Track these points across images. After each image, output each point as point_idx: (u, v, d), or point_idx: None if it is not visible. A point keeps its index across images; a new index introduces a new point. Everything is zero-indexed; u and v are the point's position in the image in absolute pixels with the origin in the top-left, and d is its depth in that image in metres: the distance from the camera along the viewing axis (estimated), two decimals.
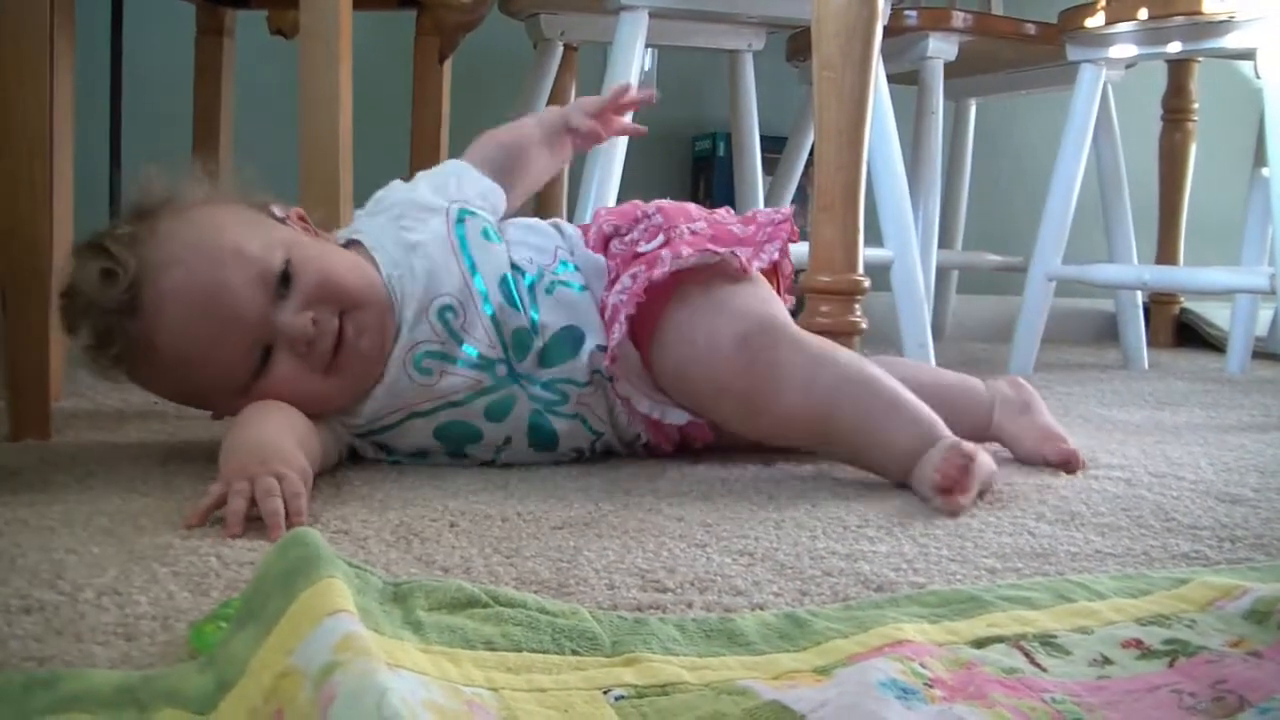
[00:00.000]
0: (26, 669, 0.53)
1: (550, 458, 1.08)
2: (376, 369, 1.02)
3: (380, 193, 1.15)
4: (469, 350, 1.03)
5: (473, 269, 1.05)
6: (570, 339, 1.06)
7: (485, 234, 1.08)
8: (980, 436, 1.16)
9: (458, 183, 1.13)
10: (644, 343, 1.06)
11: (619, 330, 1.04)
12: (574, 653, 0.56)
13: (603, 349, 1.05)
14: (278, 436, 0.90)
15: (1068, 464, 1.13)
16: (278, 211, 1.06)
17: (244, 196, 1.05)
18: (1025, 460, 1.17)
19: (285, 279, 0.97)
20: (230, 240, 0.97)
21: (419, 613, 0.58)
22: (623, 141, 1.65)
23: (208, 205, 1.01)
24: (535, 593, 0.65)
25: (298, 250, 0.99)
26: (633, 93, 1.25)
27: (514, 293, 1.05)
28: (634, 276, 1.05)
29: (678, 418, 1.09)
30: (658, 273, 1.04)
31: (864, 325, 1.46)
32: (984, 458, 0.99)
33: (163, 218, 0.98)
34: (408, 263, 1.04)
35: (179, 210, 0.99)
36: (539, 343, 1.05)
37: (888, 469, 1.03)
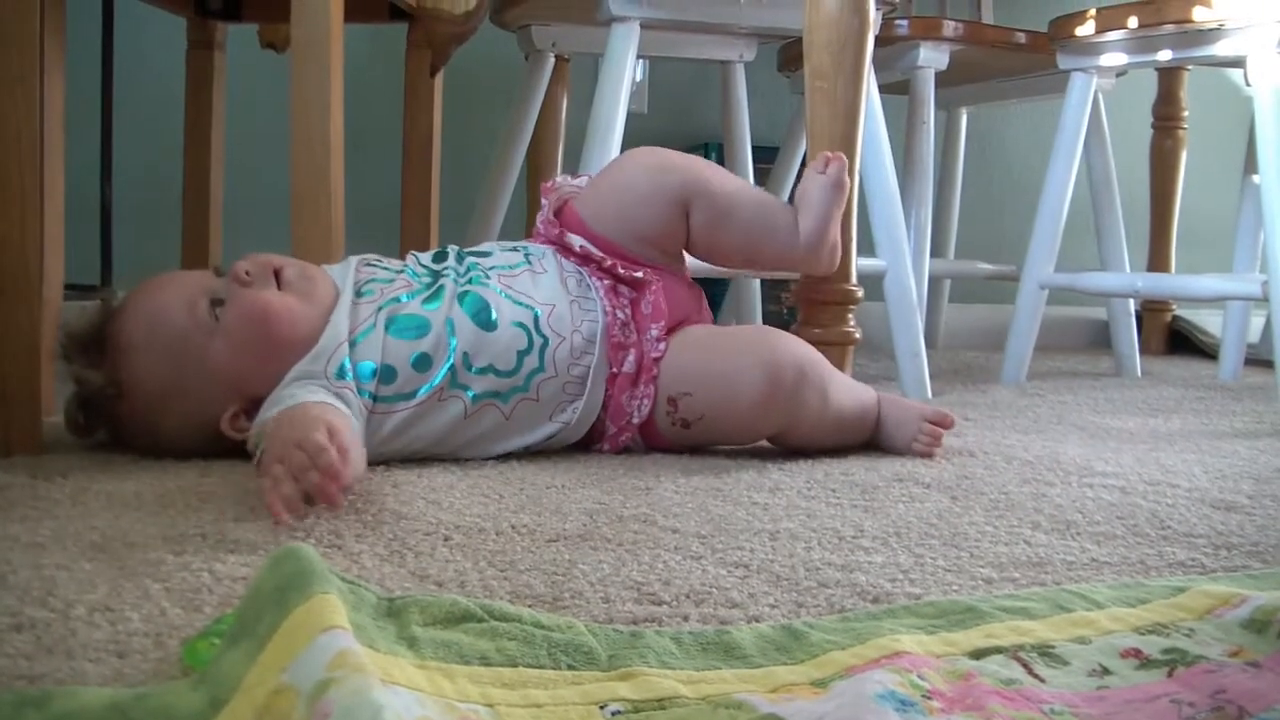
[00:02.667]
0: (17, 687, 0.53)
1: (503, 344, 1.14)
2: (325, 294, 1.12)
3: None
4: (402, 269, 1.19)
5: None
6: (485, 250, 1.25)
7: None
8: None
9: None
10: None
11: (544, 213, 1.29)
12: (570, 667, 0.56)
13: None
14: (301, 411, 0.97)
15: (942, 420, 1.24)
16: None
17: None
18: (902, 430, 1.25)
19: (218, 272, 1.13)
20: (162, 276, 1.15)
21: (414, 628, 0.57)
22: (615, 153, 1.65)
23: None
24: (530, 607, 0.65)
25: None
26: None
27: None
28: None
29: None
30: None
31: (858, 335, 1.46)
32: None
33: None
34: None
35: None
36: (454, 250, 1.24)
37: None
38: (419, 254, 1.25)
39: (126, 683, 0.54)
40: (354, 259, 1.21)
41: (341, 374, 1.07)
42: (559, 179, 1.33)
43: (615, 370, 1.18)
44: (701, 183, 1.25)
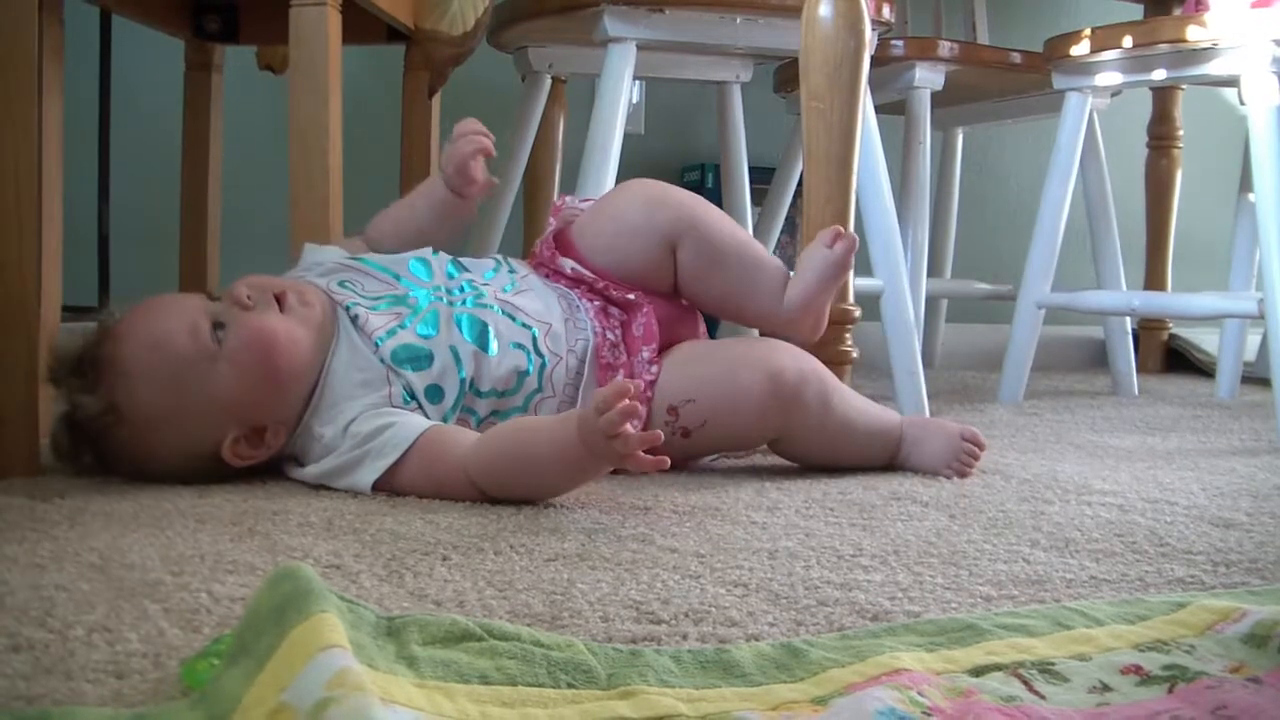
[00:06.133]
0: (15, 708, 0.53)
1: (506, 367, 1.15)
2: (324, 315, 1.12)
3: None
4: (373, 297, 1.16)
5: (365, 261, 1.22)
6: (470, 261, 1.24)
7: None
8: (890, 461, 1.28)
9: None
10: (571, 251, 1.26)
11: (547, 233, 1.27)
12: (569, 686, 0.56)
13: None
14: (514, 424, 1.11)
15: (976, 440, 1.24)
16: None
17: None
18: (938, 451, 1.25)
19: (212, 296, 1.11)
20: (157, 298, 1.13)
21: (413, 647, 0.57)
22: (612, 174, 1.65)
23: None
24: (529, 626, 0.65)
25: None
26: (473, 125, 1.33)
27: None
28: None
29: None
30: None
31: (855, 355, 1.46)
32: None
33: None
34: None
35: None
36: (441, 260, 1.21)
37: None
38: (394, 262, 1.21)
39: (125, 703, 0.54)
40: (314, 280, 1.18)
41: (407, 400, 1.11)
42: (567, 199, 1.33)
43: None
44: (693, 222, 1.24)
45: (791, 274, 1.27)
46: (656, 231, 1.23)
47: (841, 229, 1.25)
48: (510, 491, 1.03)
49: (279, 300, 1.10)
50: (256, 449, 1.09)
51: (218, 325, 1.07)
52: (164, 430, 1.07)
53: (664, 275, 1.25)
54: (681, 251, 1.24)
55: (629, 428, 0.93)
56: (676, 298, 1.29)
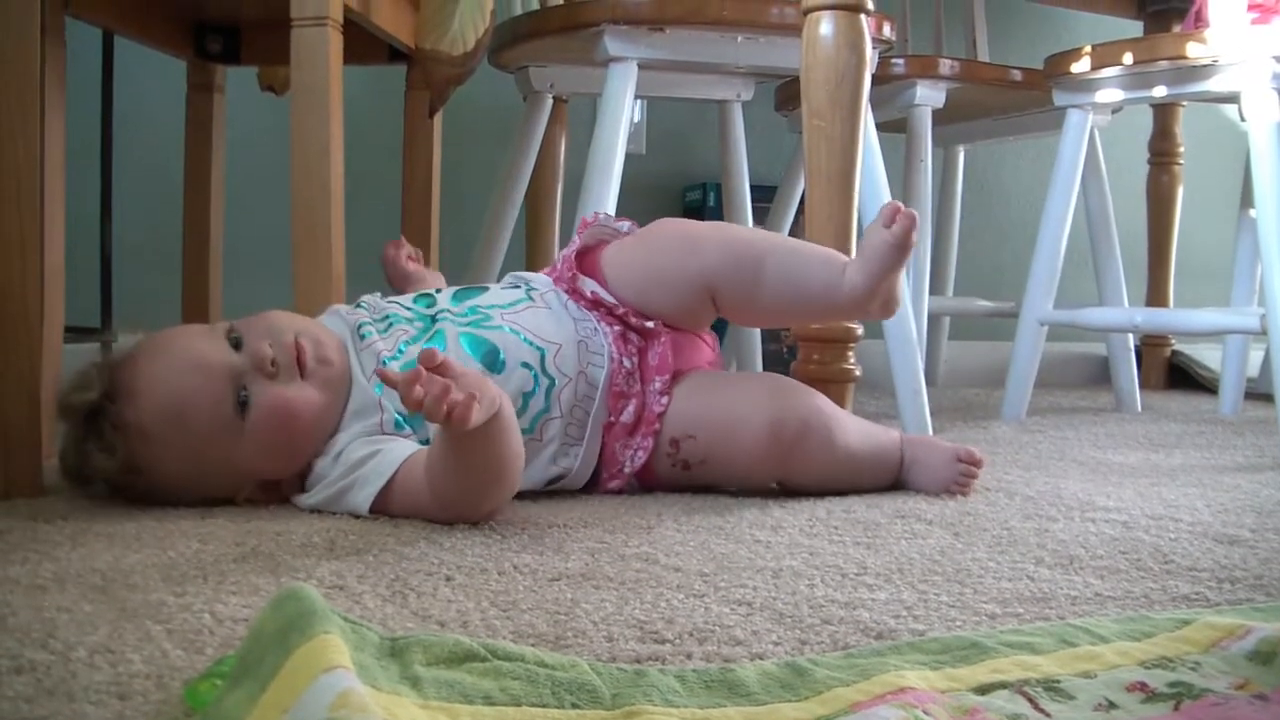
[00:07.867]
0: None
1: (512, 387, 1.13)
2: (343, 370, 1.11)
3: None
4: (381, 317, 1.18)
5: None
6: (479, 287, 1.24)
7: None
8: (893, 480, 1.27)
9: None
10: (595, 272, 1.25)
11: (571, 249, 1.26)
12: (574, 706, 0.56)
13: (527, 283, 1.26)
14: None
15: (972, 459, 1.23)
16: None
17: None
18: (937, 472, 1.24)
19: (236, 343, 1.08)
20: (178, 332, 1.12)
21: (416, 667, 0.57)
22: (614, 194, 1.66)
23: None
24: (533, 646, 0.65)
25: (238, 321, 1.11)
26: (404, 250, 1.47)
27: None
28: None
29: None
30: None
31: (858, 373, 1.46)
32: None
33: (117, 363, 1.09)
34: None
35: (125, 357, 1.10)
36: (445, 292, 1.22)
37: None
38: (399, 298, 1.23)
39: None
40: (339, 308, 1.21)
41: (399, 426, 1.11)
42: (601, 215, 1.31)
43: (613, 419, 1.18)
44: (725, 261, 1.20)
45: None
46: (689, 280, 1.20)
47: (900, 204, 1.17)
48: (464, 501, 1.02)
49: (299, 359, 1.08)
50: (270, 495, 1.11)
51: (241, 390, 1.05)
52: (183, 486, 1.07)
53: (691, 318, 1.25)
54: (720, 294, 1.21)
55: (417, 392, 0.89)
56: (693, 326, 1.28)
